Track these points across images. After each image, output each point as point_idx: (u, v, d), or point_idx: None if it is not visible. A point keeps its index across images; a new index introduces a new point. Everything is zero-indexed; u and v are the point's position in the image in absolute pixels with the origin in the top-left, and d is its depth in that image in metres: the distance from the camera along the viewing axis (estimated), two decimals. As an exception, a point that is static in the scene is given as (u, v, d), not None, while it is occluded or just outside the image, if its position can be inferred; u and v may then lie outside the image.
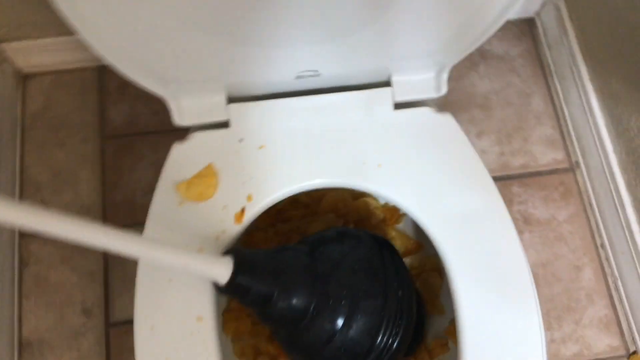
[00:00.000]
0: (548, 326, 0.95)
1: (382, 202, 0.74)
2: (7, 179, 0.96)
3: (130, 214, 0.98)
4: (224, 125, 0.59)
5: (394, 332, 0.55)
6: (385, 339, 0.55)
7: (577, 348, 0.94)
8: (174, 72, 0.55)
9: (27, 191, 0.98)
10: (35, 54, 1.02)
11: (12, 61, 1.02)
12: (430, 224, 0.56)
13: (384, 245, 0.60)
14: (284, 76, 0.57)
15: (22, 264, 0.95)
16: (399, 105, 0.59)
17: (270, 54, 0.54)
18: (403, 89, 0.59)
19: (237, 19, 0.48)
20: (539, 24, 1.12)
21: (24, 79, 1.05)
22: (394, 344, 0.55)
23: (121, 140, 1.02)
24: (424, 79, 0.59)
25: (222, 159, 0.58)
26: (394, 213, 0.73)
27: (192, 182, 0.57)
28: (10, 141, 0.99)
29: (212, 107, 0.58)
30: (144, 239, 0.46)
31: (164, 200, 0.56)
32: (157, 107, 1.04)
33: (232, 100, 0.58)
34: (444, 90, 0.59)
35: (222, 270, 0.48)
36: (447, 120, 0.59)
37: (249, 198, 0.57)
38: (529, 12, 1.12)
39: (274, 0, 0.47)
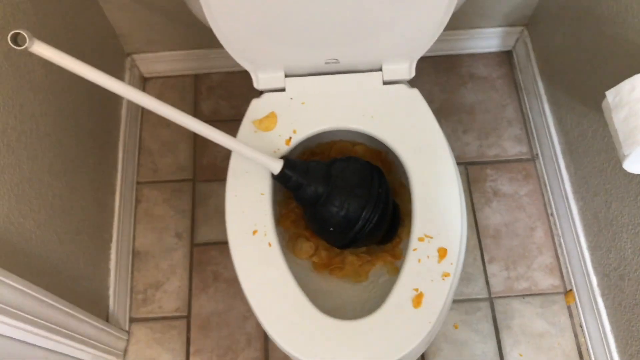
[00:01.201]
0: (506, 267, 1.29)
1: (372, 142, 1.11)
2: (131, 146, 1.40)
3: (212, 173, 1.40)
4: (282, 90, 1.00)
5: (374, 211, 0.93)
6: (368, 215, 0.93)
7: (527, 284, 1.28)
8: (257, 59, 0.97)
9: (143, 154, 1.42)
10: (154, 63, 1.48)
11: (139, 67, 1.48)
12: (401, 151, 0.95)
13: (375, 168, 0.99)
14: (317, 62, 0.98)
15: (137, 201, 1.37)
16: (386, 83, 0.99)
17: (309, 50, 0.96)
18: (389, 73, 0.99)
19: (295, 34, 0.91)
20: (514, 54, 1.51)
21: (145, 80, 1.51)
22: (373, 218, 0.93)
23: (208, 124, 1.45)
24: (401, 67, 0.99)
25: (280, 108, 0.99)
26: (378, 154, 1.10)
27: (262, 120, 0.98)
28: (134, 122, 1.44)
29: (276, 79, 1.00)
30: (239, 140, 0.86)
31: (245, 129, 0.98)
32: (234, 103, 1.48)
33: (287, 75, 1.00)
34: (413, 74, 0.99)
35: (277, 165, 0.88)
36: (414, 93, 0.99)
37: (294, 131, 0.97)
38: (508, 47, 1.52)
39: (317, 25, 0.88)
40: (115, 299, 1.21)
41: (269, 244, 0.90)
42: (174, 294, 1.28)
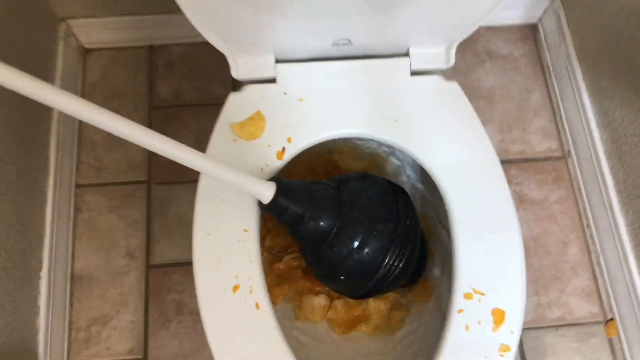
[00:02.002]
0: (536, 292, 1.07)
1: (395, 151, 0.85)
2: (69, 137, 1.10)
3: (172, 173, 1.11)
4: (272, 81, 0.72)
5: (400, 254, 0.67)
6: (393, 259, 0.67)
7: (561, 312, 1.06)
8: (235, 37, 0.69)
9: (83, 149, 1.12)
10: (97, 32, 1.16)
11: (77, 37, 1.16)
12: (434, 169, 0.69)
13: (397, 188, 0.73)
14: (322, 43, 0.70)
15: (77, 210, 1.08)
16: (414, 73, 0.73)
17: (311, 25, 0.68)
18: (418, 59, 0.72)
19: (287, 16, 0.62)
20: (540, 29, 1.25)
21: (85, 52, 1.19)
22: (400, 264, 0.68)
23: (167, 110, 1.16)
24: (435, 52, 0.72)
25: (268, 107, 0.71)
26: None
27: (244, 124, 0.70)
28: (71, 105, 1.13)
29: (263, 65, 0.71)
30: (211, 158, 0.58)
31: (220, 137, 0.70)
32: (199, 84, 1.18)
33: (279, 60, 0.72)
34: (452, 62, 0.72)
35: (267, 191, 0.61)
36: (453, 87, 0.73)
37: (289, 140, 0.70)
38: (532, 19, 1.26)
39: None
40: (48, 345, 0.93)
41: (257, 305, 0.64)
42: (126, 331, 1.01)
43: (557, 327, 1.05)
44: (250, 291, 0.64)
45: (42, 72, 1.02)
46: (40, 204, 0.97)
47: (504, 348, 0.62)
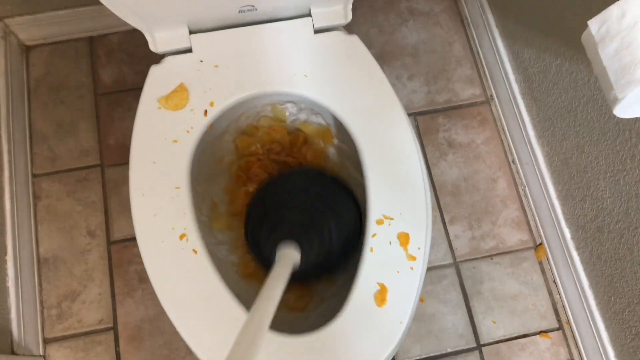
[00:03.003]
0: (469, 226, 1.16)
1: (305, 104, 0.92)
2: (19, 132, 1.15)
3: (122, 155, 1.18)
4: (188, 51, 0.79)
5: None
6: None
7: (494, 243, 1.16)
8: (148, 12, 0.75)
9: (35, 141, 1.18)
10: (35, 28, 1.21)
11: (16, 35, 1.21)
12: (343, 115, 0.77)
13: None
14: (229, 11, 0.77)
15: (36, 197, 1.14)
16: (317, 31, 0.80)
17: (220, -3, 0.75)
18: (320, 18, 0.80)
19: None
20: (457, -16, 1.33)
21: (27, 49, 1.25)
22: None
23: (112, 96, 1.22)
24: (334, 9, 0.80)
25: (187, 75, 0.78)
26: (327, 134, 0.92)
27: (169, 97, 0.77)
28: (20, 102, 1.18)
29: (178, 37, 0.78)
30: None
31: (146, 108, 0.77)
32: (139, 68, 1.25)
33: (192, 31, 0.79)
34: (349, 17, 0.80)
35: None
36: (354, 40, 0.80)
37: (211, 104, 0.78)
38: (449, -25, 1.33)
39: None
40: (21, 323, 1.00)
41: (194, 251, 0.71)
42: (95, 304, 1.08)
43: (491, 256, 1.14)
44: (187, 240, 0.72)
45: (-15, 70, 1.08)
46: (-2, 195, 1.04)
47: (411, 258, 0.71)
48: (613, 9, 0.65)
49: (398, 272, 0.71)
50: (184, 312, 0.69)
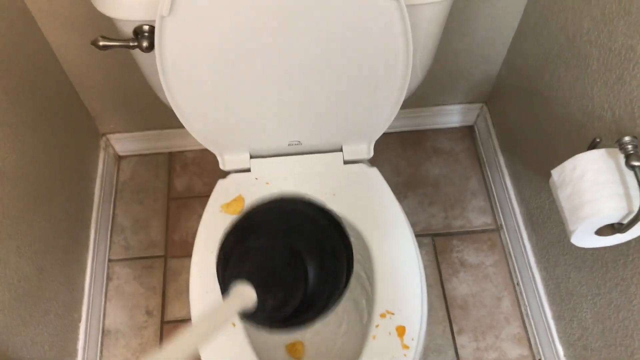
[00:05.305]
0: (475, 338, 1.30)
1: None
2: (104, 224, 1.42)
3: (183, 249, 1.41)
4: (247, 170, 1.04)
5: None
6: None
7: (496, 355, 1.29)
8: (222, 143, 1.02)
9: (115, 232, 1.44)
10: (129, 143, 1.52)
11: (114, 147, 1.52)
12: (362, 228, 0.98)
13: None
14: (281, 144, 1.03)
15: (109, 278, 1.38)
16: (346, 162, 1.04)
17: (273, 132, 1.01)
18: (349, 153, 1.04)
19: (258, 120, 0.96)
20: (476, 129, 1.58)
21: (119, 158, 1.55)
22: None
23: (181, 201, 1.49)
24: (360, 147, 1.04)
25: (245, 189, 1.02)
26: None
27: (230, 204, 1.01)
28: (108, 200, 1.46)
29: (241, 160, 1.04)
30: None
31: (212, 210, 1.01)
32: (206, 180, 1.52)
33: (252, 156, 1.04)
34: (371, 154, 1.04)
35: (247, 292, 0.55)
36: (374, 171, 1.04)
37: (259, 211, 1.01)
38: (470, 122, 1.59)
39: (279, 111, 0.94)
40: (82, 382, 1.19)
41: (233, 324, 0.91)
42: (143, 374, 1.26)
43: (493, 367, 1.27)
44: (229, 314, 0.92)
45: (87, 174, 1.37)
46: (82, 272, 1.28)
47: (405, 347, 0.88)
48: (567, 163, 0.86)
49: (393, 357, 0.88)
50: (221, 371, 0.87)
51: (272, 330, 0.64)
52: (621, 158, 0.79)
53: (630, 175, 0.79)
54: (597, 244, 0.87)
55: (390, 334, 0.90)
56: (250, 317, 0.60)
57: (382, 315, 0.91)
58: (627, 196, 0.78)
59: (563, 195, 0.86)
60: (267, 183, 1.03)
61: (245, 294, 0.56)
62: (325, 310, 0.65)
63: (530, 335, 1.30)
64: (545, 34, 1.12)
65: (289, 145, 1.03)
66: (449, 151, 1.55)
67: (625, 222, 0.79)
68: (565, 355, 1.18)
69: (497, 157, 1.45)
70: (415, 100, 1.48)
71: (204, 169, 1.53)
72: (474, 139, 1.57)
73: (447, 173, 1.52)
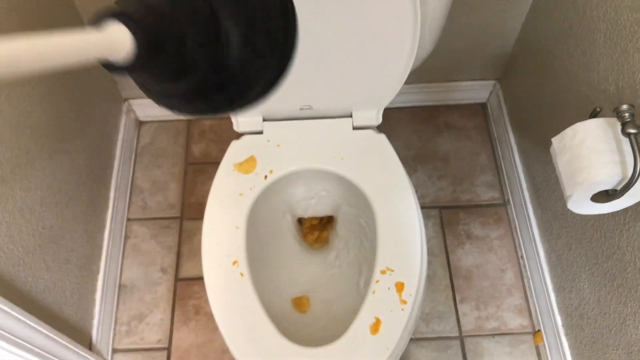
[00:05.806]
0: (477, 307, 1.34)
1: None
2: (123, 185, 1.48)
3: (198, 211, 1.47)
4: (260, 132, 1.08)
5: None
6: None
7: (497, 324, 1.32)
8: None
9: (134, 193, 1.50)
10: (150, 108, 1.58)
11: (135, 112, 1.58)
12: (367, 190, 1.02)
13: None
14: (292, 108, 1.07)
15: (126, 236, 1.44)
16: (355, 128, 1.08)
17: (287, 97, 1.05)
18: (358, 119, 1.08)
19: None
20: (488, 106, 1.60)
21: (140, 124, 1.61)
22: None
23: (198, 166, 1.54)
24: (369, 114, 1.08)
25: (258, 150, 1.07)
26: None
27: (242, 164, 1.06)
28: (127, 162, 1.52)
29: (254, 123, 1.08)
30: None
31: (224, 168, 1.06)
32: (223, 147, 1.56)
33: (265, 119, 1.09)
34: (380, 120, 1.07)
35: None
36: (382, 137, 1.07)
37: (271, 171, 1.05)
38: (482, 99, 1.61)
39: (293, 75, 0.98)
40: (99, 330, 1.26)
41: (241, 274, 0.96)
42: (156, 327, 1.33)
43: (493, 335, 1.31)
44: (237, 265, 0.97)
45: (109, 136, 1.43)
46: (101, 228, 1.34)
47: (403, 302, 0.92)
48: (568, 131, 0.89)
49: (391, 311, 0.92)
50: (226, 316, 0.92)
51: (188, 105, 0.45)
52: (618, 126, 0.82)
53: (626, 143, 0.82)
54: (593, 210, 0.90)
55: (389, 289, 0.94)
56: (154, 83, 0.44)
57: (383, 272, 0.95)
58: (622, 163, 0.81)
59: (562, 162, 0.89)
60: (279, 145, 1.08)
61: (114, 34, 0.36)
62: (261, 88, 0.46)
63: (531, 306, 1.34)
64: (558, 9, 1.14)
65: (300, 109, 1.07)
66: (460, 127, 1.58)
67: (619, 188, 0.82)
68: (563, 325, 1.22)
69: (508, 134, 1.47)
70: (428, 75, 1.50)
71: (221, 137, 1.58)
72: (485, 115, 1.60)
73: (457, 148, 1.55)
